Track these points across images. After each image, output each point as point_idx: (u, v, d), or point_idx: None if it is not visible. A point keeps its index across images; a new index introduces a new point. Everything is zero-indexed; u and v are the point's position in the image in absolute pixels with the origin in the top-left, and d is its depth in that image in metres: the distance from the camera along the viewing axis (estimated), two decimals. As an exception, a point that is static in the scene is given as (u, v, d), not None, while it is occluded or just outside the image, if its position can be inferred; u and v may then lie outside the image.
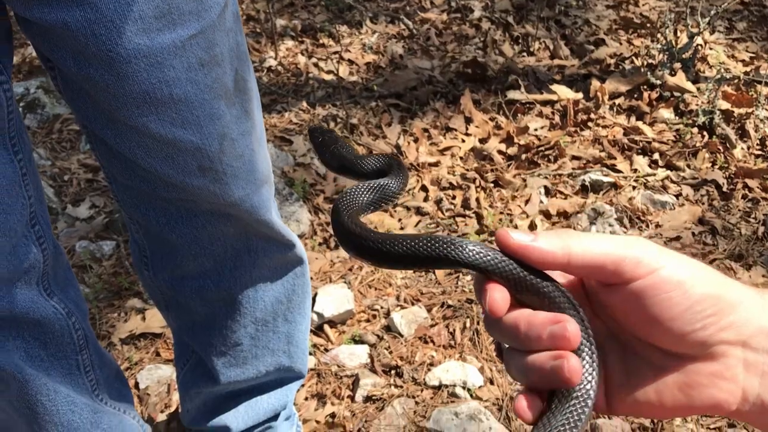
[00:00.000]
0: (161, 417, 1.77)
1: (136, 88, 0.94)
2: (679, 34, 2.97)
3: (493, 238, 2.05)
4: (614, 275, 0.49)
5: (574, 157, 2.53)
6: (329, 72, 3.17)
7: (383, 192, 0.66)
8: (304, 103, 2.96)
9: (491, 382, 1.78)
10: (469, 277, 2.10)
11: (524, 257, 0.50)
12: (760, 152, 2.51)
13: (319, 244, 2.29)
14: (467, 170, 2.54)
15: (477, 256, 0.50)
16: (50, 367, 1.16)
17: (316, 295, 2.00)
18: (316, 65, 3.23)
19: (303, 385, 1.81)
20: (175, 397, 1.81)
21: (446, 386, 1.76)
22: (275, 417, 1.47)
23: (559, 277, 0.56)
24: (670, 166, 2.48)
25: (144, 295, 2.08)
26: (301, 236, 2.28)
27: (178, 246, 1.20)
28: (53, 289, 1.13)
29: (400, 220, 2.35)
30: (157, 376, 1.87)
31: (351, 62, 3.25)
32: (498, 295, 0.50)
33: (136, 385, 1.86)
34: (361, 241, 0.54)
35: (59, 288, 1.15)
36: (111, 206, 2.46)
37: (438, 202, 2.42)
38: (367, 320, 2.01)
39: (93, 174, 2.61)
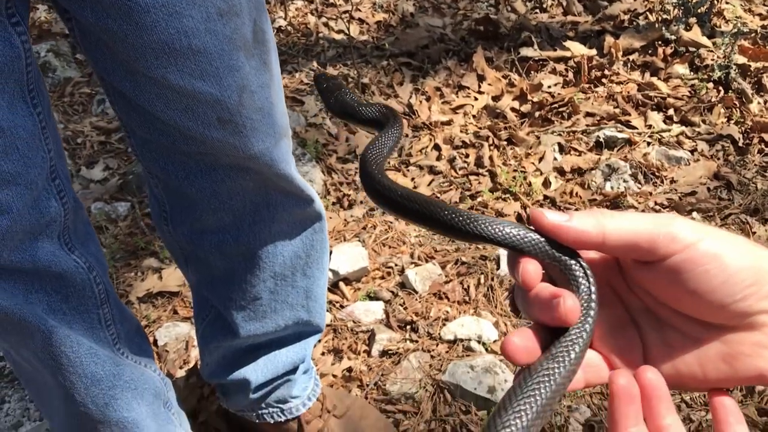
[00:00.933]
0: (180, 373, 1.80)
1: (154, 38, 0.93)
2: (694, -12, 2.92)
3: (508, 195, 2.03)
4: (649, 253, 0.50)
5: (588, 114, 2.51)
6: (339, 32, 3.14)
7: (384, 148, 0.68)
8: (315, 63, 2.94)
9: (506, 336, 1.79)
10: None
11: (558, 237, 0.51)
12: (776, 107, 2.48)
13: (333, 203, 2.30)
14: (480, 128, 2.53)
15: (513, 237, 0.53)
16: (72, 320, 1.17)
17: (330, 253, 2.01)
18: (326, 25, 3.20)
19: (319, 341, 1.83)
20: (194, 353, 1.83)
21: (461, 340, 1.77)
22: (294, 370, 1.49)
23: (594, 255, 0.57)
24: (685, 122, 2.45)
25: (160, 254, 2.10)
26: (314, 195, 2.28)
27: (197, 200, 1.20)
28: (74, 243, 1.14)
29: (413, 179, 2.35)
30: (175, 334, 1.89)
31: (361, 21, 3.22)
32: (531, 268, 0.51)
33: (155, 342, 1.88)
34: (405, 202, 0.57)
35: (80, 242, 1.16)
36: (125, 168, 2.46)
37: (451, 160, 2.41)
38: (382, 277, 2.02)
39: (106, 136, 2.62)
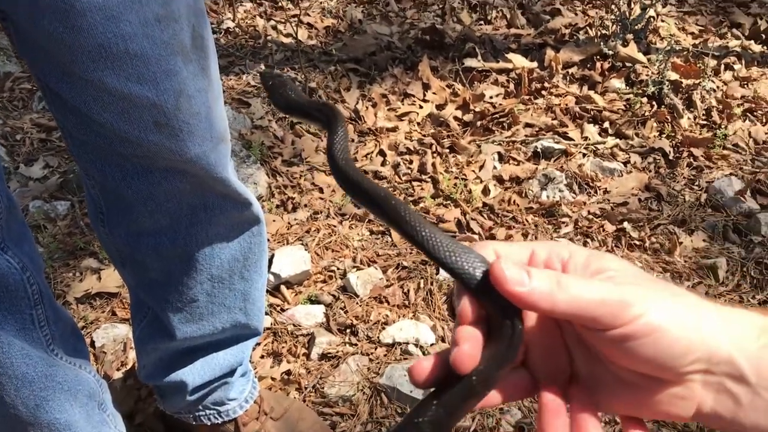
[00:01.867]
0: (117, 375, 1.79)
1: (91, 41, 0.94)
2: (632, 5, 3.03)
3: (449, 201, 2.06)
4: (592, 324, 0.52)
5: (527, 125, 2.58)
6: (288, 35, 3.15)
7: (346, 147, 0.70)
8: (263, 66, 2.94)
9: (443, 340, 1.84)
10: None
11: (512, 299, 0.52)
12: (705, 122, 2.59)
13: (277, 206, 2.31)
14: (424, 136, 2.58)
15: (466, 274, 0.54)
16: (3, 321, 1.16)
17: (273, 256, 2.03)
18: (274, 28, 3.21)
19: (259, 344, 1.84)
20: (132, 355, 1.82)
21: (399, 344, 1.81)
22: (231, 372, 1.49)
23: None
24: (619, 135, 2.55)
25: (100, 254, 2.08)
26: (258, 198, 2.28)
27: (134, 202, 1.20)
28: (7, 243, 1.13)
29: (356, 184, 2.38)
30: (113, 335, 1.88)
31: (310, 26, 3.24)
32: (470, 307, 0.53)
33: (92, 343, 1.87)
34: (389, 206, 0.58)
35: (13, 242, 1.15)
36: (65, 166, 2.43)
37: (395, 166, 2.45)
38: (324, 281, 2.04)
39: (47, 134, 2.58)
